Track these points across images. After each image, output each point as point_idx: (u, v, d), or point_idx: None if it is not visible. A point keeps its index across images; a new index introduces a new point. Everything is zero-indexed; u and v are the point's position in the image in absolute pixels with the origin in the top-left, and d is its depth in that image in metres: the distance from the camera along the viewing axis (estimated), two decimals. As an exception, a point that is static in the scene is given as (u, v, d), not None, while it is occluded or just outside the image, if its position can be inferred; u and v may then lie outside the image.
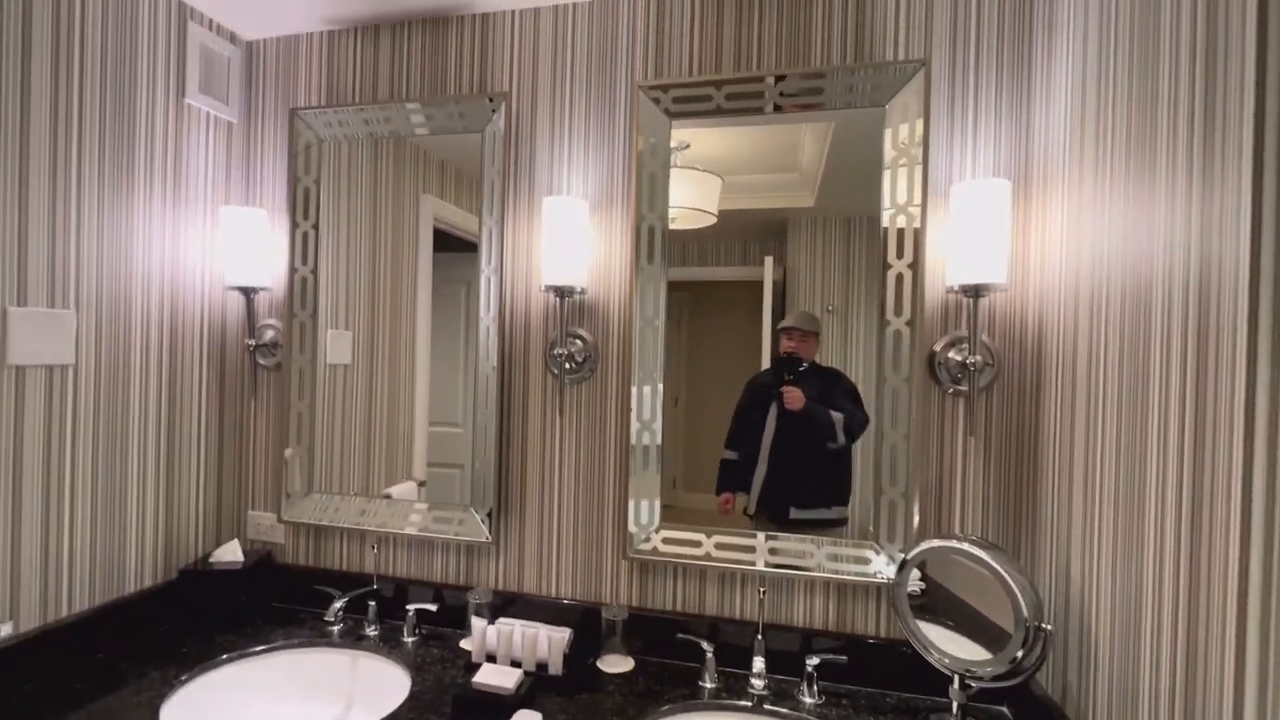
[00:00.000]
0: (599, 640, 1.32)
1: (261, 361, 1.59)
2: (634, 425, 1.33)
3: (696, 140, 1.33)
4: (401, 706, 1.13)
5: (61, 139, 1.20)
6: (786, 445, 1.30)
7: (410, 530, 1.45)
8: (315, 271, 1.52)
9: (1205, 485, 0.69)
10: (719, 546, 1.30)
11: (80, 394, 1.25)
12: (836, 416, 1.27)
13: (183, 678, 1.20)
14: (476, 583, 1.46)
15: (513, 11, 1.43)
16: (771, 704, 1.16)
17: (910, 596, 1.10)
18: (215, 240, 1.53)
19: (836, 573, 1.23)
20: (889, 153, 1.21)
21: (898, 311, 1.20)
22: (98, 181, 1.27)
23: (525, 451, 1.44)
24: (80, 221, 1.24)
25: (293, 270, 1.52)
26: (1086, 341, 0.97)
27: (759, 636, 1.22)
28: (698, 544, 1.31)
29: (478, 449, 1.42)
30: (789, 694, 1.19)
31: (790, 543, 1.27)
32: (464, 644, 1.36)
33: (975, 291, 1.14)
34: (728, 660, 1.27)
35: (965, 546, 1.03)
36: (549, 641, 1.21)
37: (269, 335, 1.58)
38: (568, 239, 1.31)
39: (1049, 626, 0.98)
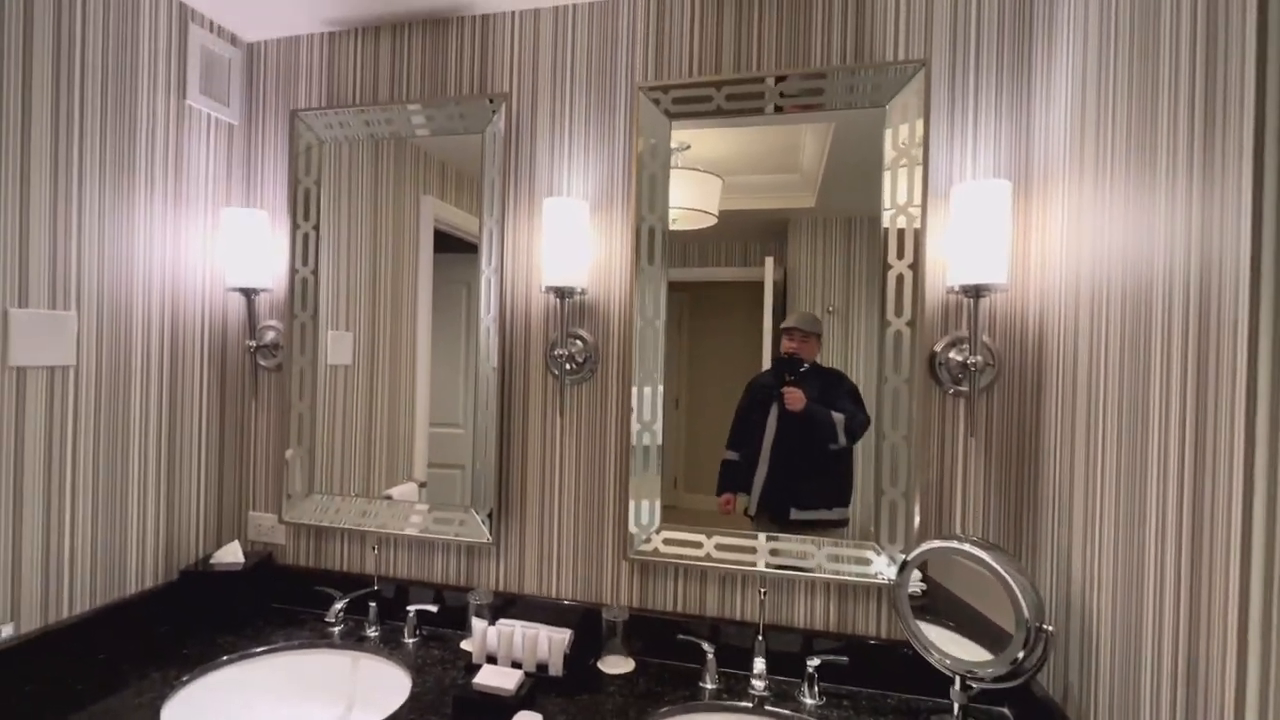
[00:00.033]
0: (599, 641, 1.32)
1: (262, 362, 1.59)
2: (634, 426, 1.33)
3: (697, 141, 1.33)
4: (402, 708, 1.13)
5: (63, 141, 1.21)
6: (787, 446, 1.30)
7: (411, 531, 1.45)
8: (316, 273, 1.52)
9: (1206, 485, 0.69)
10: (720, 547, 1.30)
11: (81, 395, 1.25)
12: (837, 417, 1.27)
13: (183, 679, 1.20)
14: (477, 584, 1.46)
15: (513, 12, 1.44)
16: (772, 705, 1.16)
17: (911, 597, 1.10)
18: (216, 241, 1.53)
19: (837, 573, 1.23)
20: (889, 153, 1.21)
21: (898, 312, 1.20)
22: (99, 183, 1.27)
23: (526, 452, 1.44)
24: (81, 223, 1.24)
25: (293, 271, 1.52)
26: (1087, 342, 0.97)
27: (760, 637, 1.22)
28: (698, 545, 1.31)
29: (478, 450, 1.42)
30: (790, 695, 1.19)
31: (791, 543, 1.27)
32: (464, 645, 1.36)
33: (976, 292, 1.14)
34: (728, 661, 1.27)
35: (966, 547, 1.03)
36: (549, 642, 1.21)
37: (270, 336, 1.58)
38: (568, 240, 1.31)
39: (1050, 627, 0.98)
